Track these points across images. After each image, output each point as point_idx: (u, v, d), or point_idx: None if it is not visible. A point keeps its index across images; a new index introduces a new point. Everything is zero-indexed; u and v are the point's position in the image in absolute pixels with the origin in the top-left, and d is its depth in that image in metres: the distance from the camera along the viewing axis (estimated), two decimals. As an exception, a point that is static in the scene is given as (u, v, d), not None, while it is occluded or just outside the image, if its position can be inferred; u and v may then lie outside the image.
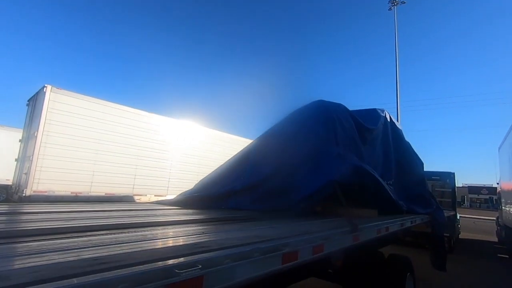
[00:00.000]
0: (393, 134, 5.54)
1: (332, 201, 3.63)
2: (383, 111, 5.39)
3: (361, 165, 3.47)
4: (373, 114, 5.20)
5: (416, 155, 6.44)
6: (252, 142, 4.15)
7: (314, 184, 3.06)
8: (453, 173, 12.70)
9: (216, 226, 2.17)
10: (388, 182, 4.85)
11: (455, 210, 11.80)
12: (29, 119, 8.16)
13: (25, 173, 7.22)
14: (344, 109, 4.16)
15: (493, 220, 18.23)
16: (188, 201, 3.53)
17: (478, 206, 53.31)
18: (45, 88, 7.34)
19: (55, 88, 7.49)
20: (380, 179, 3.83)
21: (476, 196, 56.80)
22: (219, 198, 3.51)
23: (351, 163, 3.38)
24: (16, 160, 8.34)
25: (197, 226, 2.08)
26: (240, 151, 4.11)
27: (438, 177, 12.17)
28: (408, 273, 3.69)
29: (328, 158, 3.36)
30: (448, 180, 12.50)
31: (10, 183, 8.74)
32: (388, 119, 5.49)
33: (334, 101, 4.22)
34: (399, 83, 22.18)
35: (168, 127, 10.08)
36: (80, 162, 7.76)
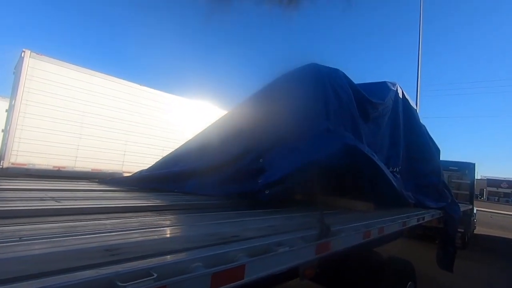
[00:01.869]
0: (405, 113, 4.65)
1: (318, 190, 2.90)
2: (394, 84, 4.48)
3: (356, 145, 2.69)
4: (381, 87, 4.31)
5: (432, 140, 5.53)
6: (225, 114, 3.42)
7: (288, 166, 2.32)
8: (473, 164, 11.60)
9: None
10: (394, 169, 4.04)
11: (472, 204, 10.87)
12: (13, 88, 7.67)
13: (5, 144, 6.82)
14: (342, 75, 3.32)
15: (510, 215, 16.98)
16: (134, 181, 2.88)
17: (496, 200, 51.15)
18: (23, 53, 6.76)
19: (34, 54, 6.90)
20: (381, 164, 3.04)
21: (495, 189, 54.43)
22: (175, 179, 2.84)
23: (343, 141, 2.61)
24: (2, 131, 7.96)
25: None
26: (211, 124, 3.39)
27: (456, 168, 11.15)
28: (410, 282, 2.96)
29: (313, 134, 2.59)
30: (467, 171, 11.47)
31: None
32: (400, 95, 4.58)
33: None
34: (420, 66, 20.46)
35: (165, 102, 9.44)
36: (63, 135, 7.28)
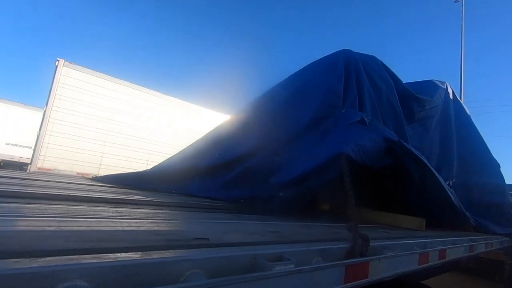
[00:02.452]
0: (457, 117, 3.88)
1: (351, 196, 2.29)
2: (443, 83, 3.78)
3: (400, 141, 2.07)
4: (427, 85, 3.64)
5: (490, 153, 4.61)
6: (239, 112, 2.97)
7: (309, 161, 1.78)
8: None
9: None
10: (448, 182, 3.27)
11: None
12: (48, 96, 8.00)
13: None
14: (380, 62, 2.76)
15: None
16: (129, 179, 2.48)
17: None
18: (57, 62, 7.03)
19: (68, 63, 7.16)
20: (435, 172, 2.36)
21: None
22: (177, 178, 2.40)
23: (381, 134, 2.01)
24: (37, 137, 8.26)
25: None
26: (221, 123, 2.97)
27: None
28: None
29: (342, 123, 2.04)
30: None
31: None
32: (451, 95, 3.85)
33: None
34: (464, 84, 18.76)
35: (192, 113, 9.32)
36: (89, 142, 7.32)
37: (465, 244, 1.82)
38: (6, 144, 12.45)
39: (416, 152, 2.22)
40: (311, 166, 1.71)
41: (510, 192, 9.30)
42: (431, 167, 2.29)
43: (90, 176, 2.94)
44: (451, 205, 2.54)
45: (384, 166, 2.18)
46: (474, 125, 4.37)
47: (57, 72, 6.97)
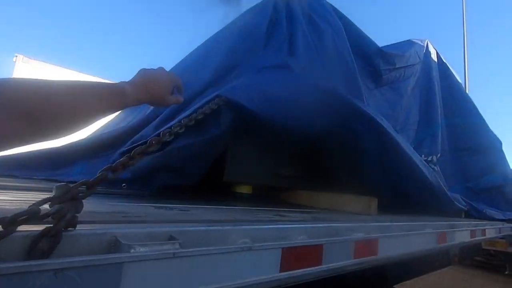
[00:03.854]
0: (444, 82, 3.23)
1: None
2: (423, 41, 3.13)
3: (345, 94, 1.45)
4: (403, 44, 3.00)
5: (488, 127, 3.92)
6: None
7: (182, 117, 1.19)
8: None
9: None
10: (428, 158, 2.64)
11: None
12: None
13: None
14: (327, 5, 2.14)
15: None
16: None
17: None
18: (15, 58, 6.55)
19: (26, 58, 6.67)
20: (399, 140, 1.73)
21: None
22: (54, 162, 1.82)
23: (311, 82, 1.41)
24: None
25: None
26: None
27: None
28: None
29: (254, 69, 1.45)
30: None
31: None
32: (434, 57, 3.20)
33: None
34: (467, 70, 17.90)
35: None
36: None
37: (428, 230, 1.18)
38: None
39: (370, 112, 1.59)
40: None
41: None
42: (393, 134, 1.67)
43: None
44: (427, 184, 1.90)
45: (324, 132, 1.57)
46: (467, 94, 3.71)
47: (15, 69, 6.50)
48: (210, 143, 1.16)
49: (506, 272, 6.38)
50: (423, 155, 2.60)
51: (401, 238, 1.00)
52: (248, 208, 1.18)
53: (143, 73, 0.76)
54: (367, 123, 1.55)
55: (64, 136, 0.56)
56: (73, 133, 0.57)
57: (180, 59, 2.17)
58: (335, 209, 1.56)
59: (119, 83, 0.69)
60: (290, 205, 1.64)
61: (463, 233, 1.63)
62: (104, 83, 0.67)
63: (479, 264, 6.66)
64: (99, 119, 0.62)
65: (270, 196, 1.86)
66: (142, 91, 0.72)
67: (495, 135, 3.69)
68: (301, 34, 1.79)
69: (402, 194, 1.93)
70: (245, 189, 1.67)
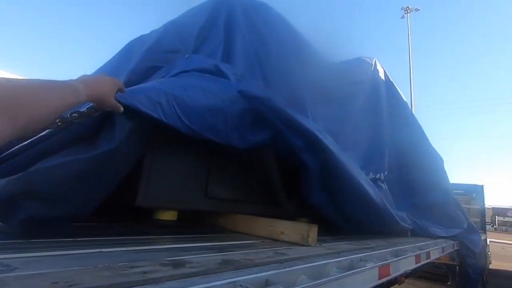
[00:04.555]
0: (391, 101, 3.30)
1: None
2: (372, 59, 3.19)
3: (273, 101, 1.28)
4: (353, 62, 3.01)
5: (432, 146, 4.10)
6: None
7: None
8: (481, 186, 10.00)
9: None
10: (377, 176, 2.60)
11: (485, 232, 9.22)
12: None
13: None
14: (275, 13, 2.01)
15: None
16: None
17: (504, 230, 48.33)
18: None
19: None
20: (340, 155, 1.60)
21: (502, 218, 51.66)
22: None
23: (235, 85, 1.22)
24: None
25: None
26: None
27: (462, 191, 9.60)
28: None
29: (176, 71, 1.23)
30: (475, 194, 9.93)
31: None
32: (382, 75, 3.27)
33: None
34: (413, 94, 19.60)
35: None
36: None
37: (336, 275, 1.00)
38: None
39: (311, 127, 1.44)
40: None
41: (456, 191, 9.28)
42: (336, 152, 1.53)
43: None
44: (373, 205, 1.80)
45: (259, 148, 1.39)
46: (411, 113, 3.86)
47: None
48: (103, 161, 0.90)
49: (449, 283, 6.74)
50: (371, 173, 2.55)
51: (333, 283, 0.81)
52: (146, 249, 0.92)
53: (87, 76, 0.79)
54: (307, 139, 1.39)
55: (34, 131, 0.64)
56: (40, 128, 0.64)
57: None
58: (273, 237, 1.35)
59: (69, 80, 0.71)
60: (223, 233, 1.41)
61: (407, 260, 1.52)
62: (58, 80, 0.68)
63: (426, 276, 6.95)
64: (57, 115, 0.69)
65: (200, 221, 1.61)
66: (92, 88, 0.75)
67: (437, 153, 3.86)
68: (241, 40, 1.62)
69: (346, 215, 1.81)
70: (168, 216, 1.40)
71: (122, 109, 0.87)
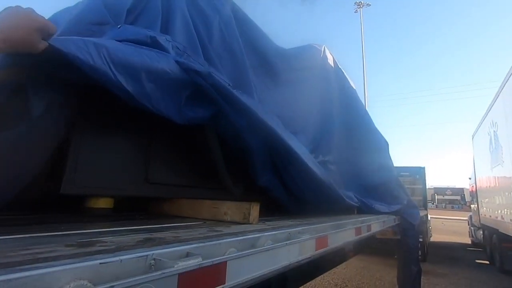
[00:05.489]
0: (340, 87, 3.44)
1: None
2: (321, 46, 3.28)
3: (212, 74, 1.24)
4: (303, 48, 3.07)
5: (378, 131, 4.39)
6: None
7: None
8: (423, 168, 11.19)
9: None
10: (326, 158, 2.71)
11: (426, 209, 10.26)
12: None
13: None
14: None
15: (460, 220, 17.32)
16: None
17: (444, 207, 54.20)
18: None
19: None
20: (286, 137, 1.63)
21: (441, 197, 57.85)
22: None
23: (171, 57, 1.16)
24: None
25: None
26: None
27: (407, 173, 10.58)
28: None
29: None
30: (418, 176, 10.99)
31: None
32: (331, 62, 3.39)
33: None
34: (366, 85, 20.78)
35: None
36: None
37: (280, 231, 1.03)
38: None
39: (252, 105, 1.42)
40: None
41: (402, 173, 10.08)
42: (278, 132, 1.53)
43: None
44: (319, 184, 1.87)
45: (201, 125, 1.35)
46: (359, 99, 4.07)
47: None
48: (14, 142, 0.79)
49: (395, 256, 7.41)
50: (320, 155, 2.65)
51: (264, 254, 0.82)
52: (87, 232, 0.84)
53: None
54: (250, 119, 1.38)
55: None
56: None
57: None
58: (218, 219, 1.34)
59: None
60: (167, 218, 1.35)
61: (347, 232, 1.61)
62: None
63: (374, 252, 7.55)
64: None
65: (141, 208, 1.54)
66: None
67: (382, 137, 4.15)
68: (180, 17, 1.53)
69: (295, 196, 1.85)
70: (103, 203, 1.31)
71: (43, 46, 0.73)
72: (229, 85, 1.30)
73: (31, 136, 0.87)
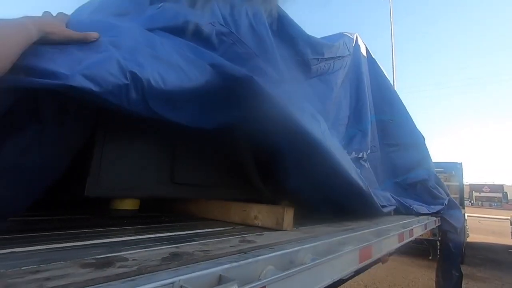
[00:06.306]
0: (373, 77, 3.20)
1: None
2: (353, 34, 3.05)
3: (253, 79, 1.11)
4: (333, 36, 2.87)
5: (414, 124, 4.07)
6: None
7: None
8: (460, 164, 10.43)
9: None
10: (359, 155, 2.52)
11: (463, 208, 9.60)
12: None
13: None
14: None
15: (500, 219, 16.23)
16: None
17: (480, 204, 50.98)
18: None
19: None
20: (325, 140, 1.46)
21: (478, 194, 54.35)
22: None
23: (209, 59, 1.05)
24: None
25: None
26: None
27: (442, 169, 9.91)
28: None
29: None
30: (454, 172, 10.28)
31: None
32: (363, 51, 3.15)
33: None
34: (395, 73, 19.75)
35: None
36: None
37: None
38: None
39: (298, 117, 1.26)
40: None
41: (436, 169, 9.55)
42: (318, 138, 1.37)
43: None
44: (357, 190, 1.69)
45: (229, 126, 1.24)
46: (395, 91, 3.78)
47: None
48: (23, 147, 0.73)
49: (430, 257, 6.99)
50: (353, 152, 2.47)
51: (306, 273, 0.70)
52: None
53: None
54: (287, 127, 1.22)
55: None
56: None
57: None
58: (247, 223, 1.24)
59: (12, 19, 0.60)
60: (192, 221, 1.28)
61: (390, 239, 1.45)
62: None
63: (407, 251, 7.19)
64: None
65: (166, 208, 1.47)
66: (39, 22, 0.64)
67: (419, 131, 3.84)
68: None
69: (328, 199, 1.71)
70: (128, 205, 1.25)
71: (82, 36, 0.74)
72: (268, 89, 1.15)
73: (51, 138, 0.80)
